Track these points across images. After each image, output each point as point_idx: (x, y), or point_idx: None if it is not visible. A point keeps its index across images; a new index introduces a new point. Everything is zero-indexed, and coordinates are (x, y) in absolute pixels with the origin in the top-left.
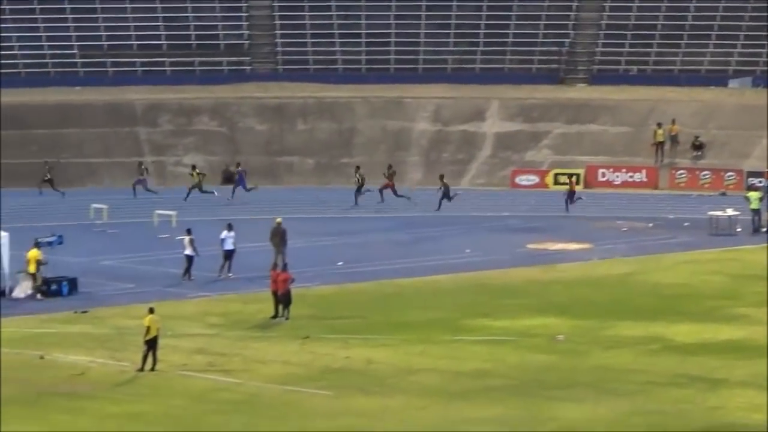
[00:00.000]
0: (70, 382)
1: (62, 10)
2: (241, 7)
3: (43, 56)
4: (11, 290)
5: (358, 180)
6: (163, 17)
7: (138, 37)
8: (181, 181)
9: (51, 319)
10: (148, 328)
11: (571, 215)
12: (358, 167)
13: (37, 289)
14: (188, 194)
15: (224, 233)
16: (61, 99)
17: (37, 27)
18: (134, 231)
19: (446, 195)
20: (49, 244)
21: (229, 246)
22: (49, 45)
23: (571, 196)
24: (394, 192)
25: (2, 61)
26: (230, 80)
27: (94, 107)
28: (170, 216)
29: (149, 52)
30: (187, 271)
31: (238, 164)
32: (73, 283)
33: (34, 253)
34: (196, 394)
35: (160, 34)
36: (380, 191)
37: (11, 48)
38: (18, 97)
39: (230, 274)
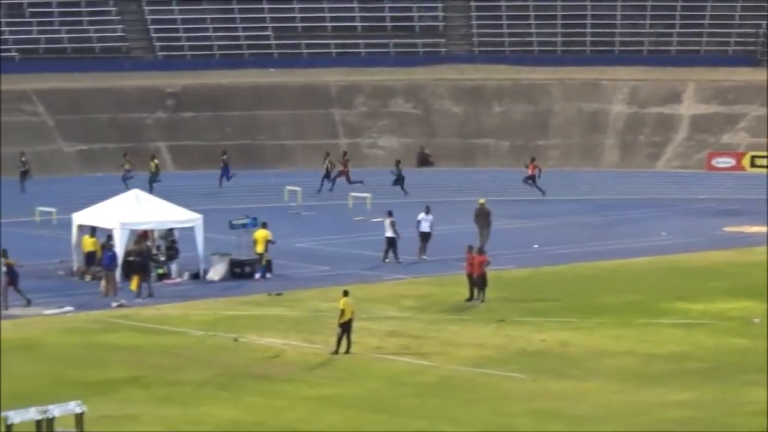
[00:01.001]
0: (265, 365)
1: None
2: None
3: (238, 38)
4: (206, 272)
5: (328, 167)
6: None
7: (333, 19)
8: (377, 163)
9: (245, 302)
10: (343, 311)
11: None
12: (327, 153)
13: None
14: (151, 185)
15: (421, 215)
16: (255, 81)
17: (232, 9)
18: (329, 213)
19: (399, 179)
20: (244, 226)
21: (425, 228)
22: (243, 27)
23: (530, 179)
24: (348, 179)
25: (197, 44)
26: (425, 62)
27: (288, 89)
28: (365, 198)
29: (344, 34)
30: (387, 253)
31: (224, 152)
32: (267, 266)
33: (262, 233)
34: (391, 376)
35: (354, 16)
36: (334, 179)
37: (206, 30)
38: (213, 79)
39: (425, 257)
